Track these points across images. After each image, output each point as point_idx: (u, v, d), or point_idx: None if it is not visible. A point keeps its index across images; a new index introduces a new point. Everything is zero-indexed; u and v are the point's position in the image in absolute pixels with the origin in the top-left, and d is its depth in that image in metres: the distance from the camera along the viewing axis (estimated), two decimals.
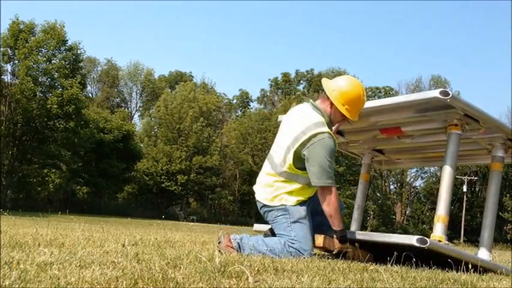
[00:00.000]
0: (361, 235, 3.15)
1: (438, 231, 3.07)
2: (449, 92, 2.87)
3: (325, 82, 3.26)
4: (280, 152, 3.24)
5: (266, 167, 3.35)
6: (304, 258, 2.97)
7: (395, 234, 3.05)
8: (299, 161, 3.12)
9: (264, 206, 3.29)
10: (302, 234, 3.13)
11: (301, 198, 3.20)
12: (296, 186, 3.19)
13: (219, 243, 3.11)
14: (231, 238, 3.08)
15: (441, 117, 3.14)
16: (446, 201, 3.11)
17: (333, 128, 3.39)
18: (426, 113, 3.16)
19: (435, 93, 2.91)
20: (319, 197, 3.11)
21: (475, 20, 78.87)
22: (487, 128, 3.21)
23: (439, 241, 3.00)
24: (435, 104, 3.01)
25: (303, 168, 3.12)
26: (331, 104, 3.19)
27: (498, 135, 3.31)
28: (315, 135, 3.06)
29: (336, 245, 3.13)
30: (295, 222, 3.15)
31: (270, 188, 3.25)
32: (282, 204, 3.19)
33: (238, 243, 3.04)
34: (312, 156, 3.06)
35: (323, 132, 3.07)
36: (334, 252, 3.19)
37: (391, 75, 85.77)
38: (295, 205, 3.18)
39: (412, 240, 2.79)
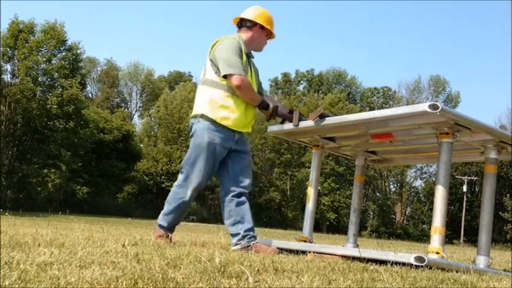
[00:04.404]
0: (362, 252, 3.13)
1: (436, 243, 3.06)
2: (439, 105, 2.85)
3: (244, 14, 3.68)
4: (202, 72, 3.65)
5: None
6: (184, 195, 3.47)
7: (392, 253, 3.06)
8: (213, 67, 3.49)
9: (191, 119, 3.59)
10: (198, 164, 3.43)
11: (221, 112, 3.41)
12: (216, 91, 3.45)
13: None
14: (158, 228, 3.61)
15: (432, 125, 3.14)
16: (442, 212, 3.10)
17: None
18: (416, 122, 3.16)
19: (424, 106, 2.91)
20: (236, 90, 3.43)
21: (474, 20, 78.90)
22: (478, 133, 3.21)
23: (437, 253, 3.01)
24: (425, 116, 3.00)
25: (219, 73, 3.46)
26: (252, 28, 3.63)
27: (490, 138, 3.31)
28: (219, 40, 3.55)
29: (266, 115, 3.62)
30: (197, 144, 3.44)
31: (196, 100, 3.58)
32: (202, 116, 3.45)
33: (160, 224, 3.58)
34: (217, 54, 3.47)
35: (227, 37, 3.56)
36: (268, 120, 3.67)
37: (391, 75, 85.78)
38: (207, 121, 3.41)
39: (410, 259, 2.82)
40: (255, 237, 3.41)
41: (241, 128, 3.52)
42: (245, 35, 3.64)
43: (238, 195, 3.47)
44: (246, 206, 3.47)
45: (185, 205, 3.55)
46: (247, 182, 3.51)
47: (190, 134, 3.57)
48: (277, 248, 3.46)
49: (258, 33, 3.64)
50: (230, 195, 3.47)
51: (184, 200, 3.52)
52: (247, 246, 3.32)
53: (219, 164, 3.54)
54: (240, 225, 3.41)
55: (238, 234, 3.40)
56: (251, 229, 3.42)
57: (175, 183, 3.57)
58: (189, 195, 3.50)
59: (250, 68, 3.63)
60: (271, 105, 3.59)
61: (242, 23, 3.67)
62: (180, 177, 3.54)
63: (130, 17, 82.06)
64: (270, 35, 3.71)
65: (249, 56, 3.67)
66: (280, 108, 3.66)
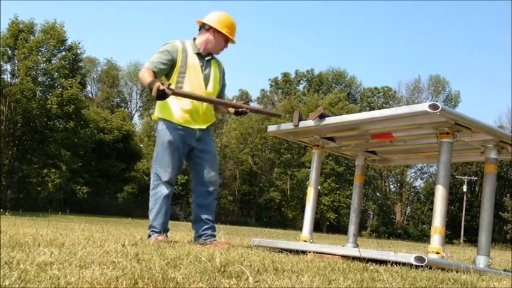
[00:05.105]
0: (362, 252, 3.10)
1: (436, 243, 3.05)
2: (439, 105, 2.84)
3: (204, 18, 3.86)
4: None
5: None
6: (162, 191, 3.64)
7: (392, 253, 3.03)
8: None
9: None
10: (164, 160, 3.67)
11: (170, 111, 3.66)
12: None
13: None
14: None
15: (432, 125, 3.13)
16: (442, 213, 3.09)
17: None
18: (416, 122, 3.15)
19: (424, 106, 2.90)
20: None
21: (474, 19, 78.89)
22: (478, 133, 3.20)
23: (437, 253, 3.00)
24: (425, 116, 2.99)
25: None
26: (208, 31, 3.81)
27: (490, 138, 3.30)
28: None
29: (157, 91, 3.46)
30: (160, 144, 3.69)
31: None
32: (159, 118, 3.73)
33: (153, 230, 3.68)
34: None
35: (168, 42, 3.80)
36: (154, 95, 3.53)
37: (391, 75, 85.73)
38: (163, 121, 3.67)
39: (410, 259, 2.80)
40: (213, 235, 3.78)
41: (192, 124, 3.71)
42: (200, 37, 3.85)
43: (202, 194, 3.82)
44: (208, 205, 3.83)
45: (167, 199, 3.73)
46: (211, 178, 3.81)
47: (155, 134, 3.87)
48: (270, 247, 3.58)
49: (212, 36, 3.81)
50: (195, 194, 3.87)
51: (164, 194, 3.69)
52: (203, 244, 3.66)
53: (188, 162, 3.85)
54: (201, 223, 3.78)
55: (197, 232, 3.80)
56: (209, 228, 3.78)
57: (151, 187, 3.75)
58: (166, 190, 3.70)
59: (209, 67, 3.82)
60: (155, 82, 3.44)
61: (202, 26, 3.87)
62: (153, 178, 3.74)
63: (130, 17, 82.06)
64: (229, 39, 3.85)
65: (204, 56, 3.82)
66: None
